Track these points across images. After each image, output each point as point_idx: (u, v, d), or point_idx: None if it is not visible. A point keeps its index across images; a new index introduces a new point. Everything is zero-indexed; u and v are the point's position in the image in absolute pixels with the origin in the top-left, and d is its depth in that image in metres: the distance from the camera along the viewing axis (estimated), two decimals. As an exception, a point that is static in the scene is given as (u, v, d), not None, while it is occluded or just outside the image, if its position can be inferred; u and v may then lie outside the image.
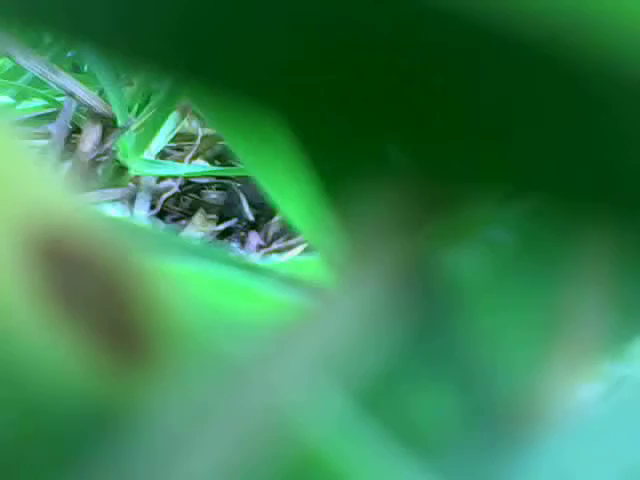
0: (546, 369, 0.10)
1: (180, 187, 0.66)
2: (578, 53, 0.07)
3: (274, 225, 0.64)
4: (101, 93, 0.66)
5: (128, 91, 0.66)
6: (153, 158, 0.66)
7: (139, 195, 0.65)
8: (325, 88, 0.08)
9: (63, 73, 0.64)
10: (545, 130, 0.08)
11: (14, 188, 0.08)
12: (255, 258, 0.54)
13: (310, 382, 0.09)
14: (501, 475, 0.10)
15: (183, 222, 0.65)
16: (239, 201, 0.66)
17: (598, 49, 0.07)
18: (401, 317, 0.10)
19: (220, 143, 0.69)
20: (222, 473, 0.09)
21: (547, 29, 0.07)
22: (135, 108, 0.67)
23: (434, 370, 0.10)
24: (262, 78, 0.08)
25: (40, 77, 0.64)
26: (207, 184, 0.68)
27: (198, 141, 0.68)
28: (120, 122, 0.66)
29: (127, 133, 0.65)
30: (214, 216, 0.66)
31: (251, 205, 0.65)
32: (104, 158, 0.65)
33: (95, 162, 0.65)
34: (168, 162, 0.67)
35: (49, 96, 0.67)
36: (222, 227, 0.65)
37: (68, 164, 0.65)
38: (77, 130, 0.67)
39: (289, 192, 0.12)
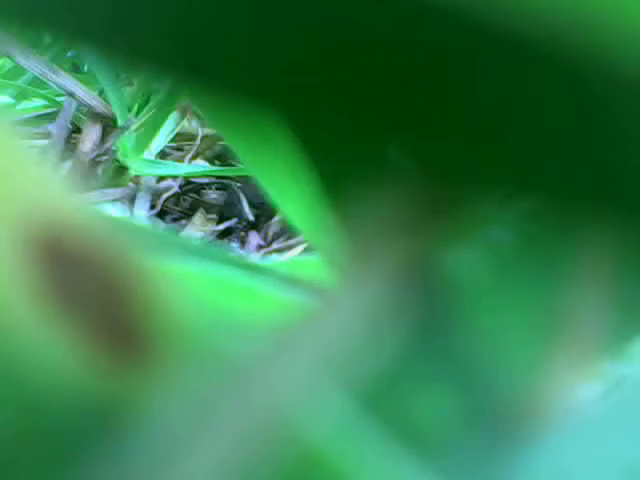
0: (546, 369, 0.10)
1: (180, 187, 0.66)
2: (577, 51, 0.07)
3: (274, 225, 0.64)
4: (101, 93, 0.66)
5: (128, 91, 0.66)
6: (153, 158, 0.66)
7: (139, 195, 0.65)
8: (325, 88, 0.08)
9: (63, 73, 0.64)
10: (544, 129, 0.08)
11: (14, 187, 0.08)
12: (255, 258, 0.54)
13: (311, 382, 0.09)
14: (502, 475, 0.10)
15: (183, 222, 0.65)
16: (239, 201, 0.66)
17: (597, 47, 0.07)
18: (402, 317, 0.10)
19: (220, 143, 0.69)
20: (223, 472, 0.09)
21: (546, 27, 0.07)
22: (135, 108, 0.67)
23: (435, 370, 0.10)
24: (262, 78, 0.08)
25: (40, 77, 0.64)
26: (207, 184, 0.68)
27: (198, 141, 0.68)
28: (120, 122, 0.66)
29: (127, 133, 0.65)
30: (214, 216, 0.66)
31: (251, 205, 0.65)
32: (104, 158, 0.65)
33: (95, 162, 0.65)
34: (168, 162, 0.67)
35: (49, 96, 0.68)
36: (222, 227, 0.65)
37: (68, 164, 0.65)
38: (77, 130, 0.67)
39: (289, 192, 0.12)
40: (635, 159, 0.08)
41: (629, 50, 0.07)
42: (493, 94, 0.08)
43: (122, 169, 0.65)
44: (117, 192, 0.64)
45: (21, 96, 0.68)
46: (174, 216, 0.66)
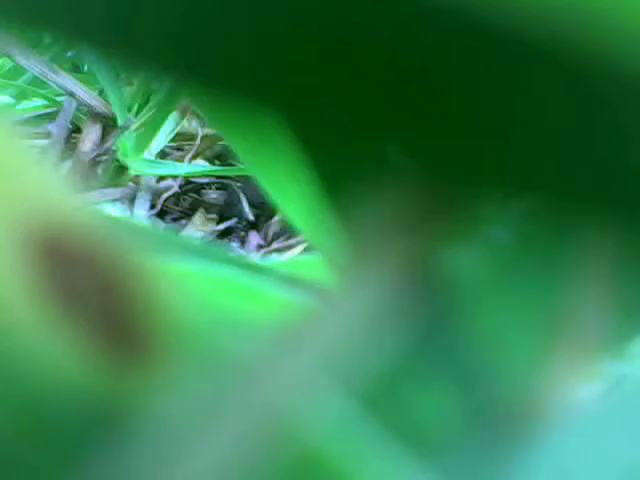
0: (546, 368, 0.10)
1: (180, 187, 0.66)
2: (579, 50, 0.07)
3: (274, 225, 0.64)
4: (101, 93, 0.66)
5: (128, 91, 0.66)
6: (153, 158, 0.66)
7: (139, 195, 0.65)
8: (325, 88, 0.08)
9: (63, 73, 0.64)
10: (545, 129, 0.08)
11: (14, 186, 0.08)
12: (255, 258, 0.54)
13: (311, 381, 0.09)
14: (502, 474, 0.10)
15: (183, 222, 0.65)
16: (239, 201, 0.66)
17: (599, 46, 0.07)
18: (403, 317, 0.10)
19: (220, 143, 0.69)
20: (223, 471, 0.09)
21: (547, 26, 0.07)
22: (135, 108, 0.67)
23: (435, 370, 0.10)
24: (262, 78, 0.08)
25: (40, 77, 0.64)
26: (207, 184, 0.68)
27: (198, 141, 0.68)
28: (120, 122, 0.66)
29: (127, 133, 0.65)
30: (214, 216, 0.66)
31: (251, 205, 0.65)
32: (104, 158, 0.65)
33: (95, 162, 0.65)
34: (168, 162, 0.67)
35: (49, 96, 0.67)
36: (222, 227, 0.65)
37: (68, 164, 0.65)
38: (77, 130, 0.67)
39: (289, 192, 0.12)
40: (636, 159, 0.08)
41: (631, 49, 0.07)
42: (494, 94, 0.08)
43: (122, 169, 0.65)
44: (117, 192, 0.64)
45: (21, 96, 0.68)
46: (174, 216, 0.66)
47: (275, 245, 0.63)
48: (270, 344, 0.09)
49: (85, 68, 0.66)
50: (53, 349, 0.08)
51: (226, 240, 0.64)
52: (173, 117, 0.67)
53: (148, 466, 0.09)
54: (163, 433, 0.09)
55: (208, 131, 0.68)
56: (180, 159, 0.68)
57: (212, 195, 0.67)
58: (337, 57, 0.08)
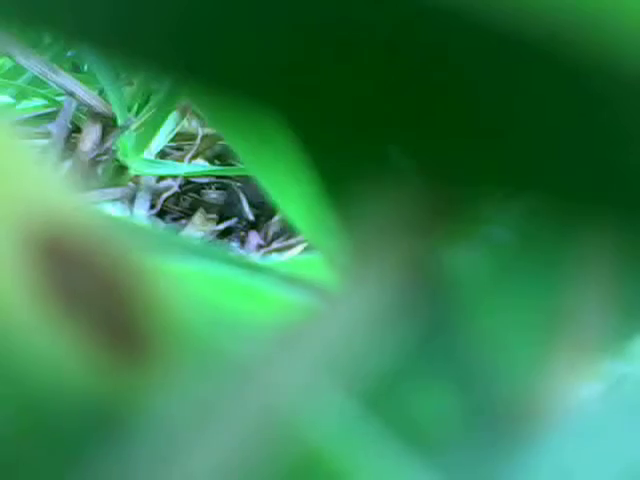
0: (546, 368, 0.10)
1: (180, 187, 0.66)
2: (578, 50, 0.07)
3: (274, 225, 0.64)
4: (101, 93, 0.66)
5: (128, 91, 0.66)
6: (153, 158, 0.66)
7: (139, 195, 0.65)
8: (325, 88, 0.08)
9: (63, 73, 0.64)
10: (545, 129, 0.08)
11: (14, 186, 0.08)
12: (255, 258, 0.54)
13: (312, 381, 0.09)
14: (502, 473, 0.10)
15: (183, 222, 0.65)
16: (239, 201, 0.66)
17: (598, 46, 0.07)
18: (403, 317, 0.10)
19: (220, 143, 0.69)
20: (223, 472, 0.09)
21: (547, 26, 0.07)
22: (135, 108, 0.67)
23: (436, 369, 0.10)
24: (262, 78, 0.08)
25: (40, 76, 0.64)
26: (207, 184, 0.68)
27: (198, 141, 0.68)
28: (120, 122, 0.66)
29: (127, 133, 0.65)
30: (214, 216, 0.66)
31: (251, 205, 0.65)
32: (104, 157, 0.65)
33: (95, 161, 0.65)
34: (168, 162, 0.67)
35: (49, 96, 0.67)
36: (222, 227, 0.65)
37: (68, 164, 0.65)
38: (77, 129, 0.67)
39: (290, 192, 0.12)
40: (636, 159, 0.08)
41: (630, 49, 0.07)
42: (494, 94, 0.08)
43: (122, 169, 0.65)
44: (117, 192, 0.64)
45: (21, 96, 0.68)
46: (174, 216, 0.66)
47: (275, 245, 0.63)
48: (270, 344, 0.09)
49: (85, 68, 0.66)
50: (53, 349, 0.08)
51: (226, 240, 0.64)
52: (173, 117, 0.67)
53: (148, 466, 0.09)
54: (163, 433, 0.09)
55: (208, 131, 0.68)
56: (180, 159, 0.68)
57: (212, 195, 0.67)
58: (337, 57, 0.08)
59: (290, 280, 0.13)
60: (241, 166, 0.64)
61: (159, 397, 0.09)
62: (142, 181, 0.66)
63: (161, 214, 0.65)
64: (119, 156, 0.65)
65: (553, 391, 0.10)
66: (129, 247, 0.09)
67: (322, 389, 0.09)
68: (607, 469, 0.10)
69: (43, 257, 0.08)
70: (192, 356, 0.09)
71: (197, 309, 0.09)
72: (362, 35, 0.07)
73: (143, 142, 0.65)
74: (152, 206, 0.65)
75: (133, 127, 0.66)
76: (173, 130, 0.67)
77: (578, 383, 0.10)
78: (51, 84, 0.64)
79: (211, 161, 0.69)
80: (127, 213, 0.62)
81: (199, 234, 0.64)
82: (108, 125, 0.66)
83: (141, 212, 0.64)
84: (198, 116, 0.67)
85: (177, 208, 0.67)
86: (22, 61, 0.63)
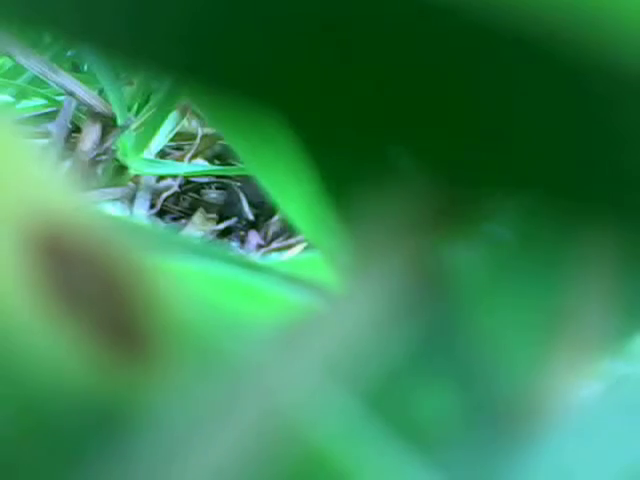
0: (546, 367, 0.10)
1: (180, 186, 0.66)
2: (578, 50, 0.07)
3: (274, 224, 0.64)
4: (101, 92, 0.66)
5: (128, 91, 0.66)
6: (153, 157, 0.66)
7: (139, 194, 0.65)
8: (327, 87, 0.08)
9: (63, 72, 0.64)
10: (545, 128, 0.08)
11: (15, 186, 0.08)
12: (255, 257, 0.54)
13: (314, 381, 0.09)
14: (502, 472, 0.10)
15: (183, 221, 0.65)
16: (239, 200, 0.66)
17: (597, 45, 0.07)
18: (405, 317, 0.10)
19: (220, 142, 0.69)
20: (225, 472, 0.09)
21: (546, 26, 0.07)
22: (135, 107, 0.67)
23: (436, 368, 0.10)
24: (263, 78, 0.08)
25: (40, 76, 0.64)
26: (207, 183, 0.68)
27: (198, 140, 0.68)
28: (120, 121, 0.66)
29: (127, 132, 0.65)
30: (214, 215, 0.66)
31: (251, 204, 0.65)
32: (104, 157, 0.65)
33: (95, 161, 0.65)
34: (168, 161, 0.67)
35: (49, 95, 0.68)
36: (222, 226, 0.65)
37: (68, 163, 0.65)
38: (77, 129, 0.67)
39: (290, 192, 0.12)
40: (636, 158, 0.08)
41: (629, 48, 0.07)
42: (494, 93, 0.08)
43: (122, 168, 0.65)
44: (117, 191, 0.64)
45: (21, 95, 0.68)
46: (174, 215, 0.66)
47: (275, 245, 0.63)
48: (272, 344, 0.09)
49: (85, 68, 0.66)
50: (54, 349, 0.08)
51: (226, 240, 0.64)
52: (173, 117, 0.67)
53: (150, 467, 0.09)
54: (165, 433, 0.09)
55: (208, 130, 0.68)
56: (180, 159, 0.68)
57: (212, 195, 0.67)
58: (338, 56, 0.08)
59: (290, 280, 0.13)
60: (241, 166, 0.64)
61: (160, 397, 0.09)
62: (142, 181, 0.66)
63: (161, 214, 0.65)
64: (119, 156, 0.65)
65: (553, 390, 0.10)
66: (129, 246, 0.09)
67: (324, 389, 0.09)
68: (607, 468, 0.10)
69: (43, 257, 0.08)
70: (192, 355, 0.09)
71: (197, 308, 0.09)
72: (363, 35, 0.07)
73: (143, 142, 0.65)
74: (152, 206, 0.65)
75: (133, 127, 0.66)
76: (173, 130, 0.67)
77: (578, 382, 0.11)
78: (51, 84, 0.64)
79: (211, 161, 0.69)
80: (127, 213, 0.62)
81: (199, 234, 0.64)
82: (108, 125, 0.66)
83: (141, 212, 0.64)
84: (198, 116, 0.67)
85: (177, 208, 0.67)
86: (22, 61, 0.63)
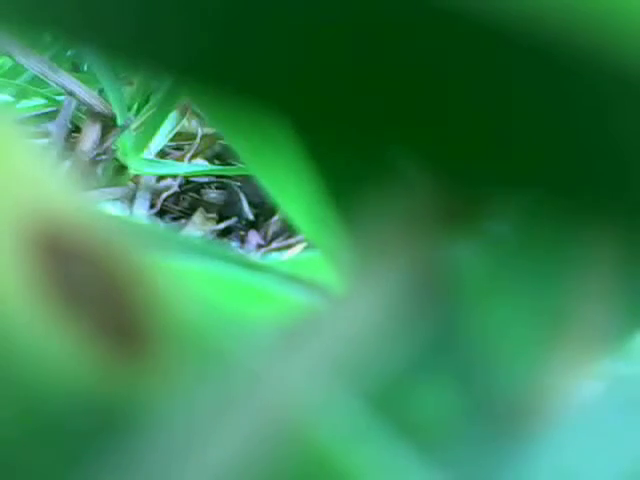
0: (547, 366, 0.10)
1: (180, 186, 0.66)
2: (582, 52, 0.07)
3: (274, 224, 0.64)
4: (101, 92, 0.66)
5: (128, 90, 0.66)
6: (153, 157, 0.66)
7: (139, 194, 0.65)
8: (328, 87, 0.08)
9: (63, 72, 0.64)
10: (546, 128, 0.08)
11: (15, 185, 0.08)
12: (255, 257, 0.54)
13: (317, 381, 0.09)
14: (503, 471, 0.10)
15: (183, 221, 0.65)
16: (239, 200, 0.66)
17: (602, 48, 0.07)
18: (405, 316, 0.10)
19: (220, 142, 0.69)
20: (228, 472, 0.09)
21: (548, 27, 0.07)
22: (135, 107, 0.67)
23: (438, 367, 0.10)
24: (264, 78, 0.08)
25: (40, 76, 0.64)
26: (207, 183, 0.68)
27: (198, 140, 0.68)
28: (120, 121, 0.66)
29: (127, 132, 0.65)
30: (214, 215, 0.66)
31: (251, 204, 0.65)
32: (104, 157, 0.65)
33: (95, 161, 0.65)
34: (168, 161, 0.67)
35: (49, 95, 0.68)
36: (222, 226, 0.65)
37: (68, 163, 0.65)
38: (77, 129, 0.67)
39: (290, 192, 0.12)
40: (636, 158, 0.08)
41: (631, 49, 0.07)
42: (494, 93, 0.08)
43: (122, 168, 0.65)
44: (117, 191, 0.64)
45: (21, 95, 0.68)
46: (174, 215, 0.66)
47: (275, 244, 0.63)
48: (275, 343, 0.09)
49: (85, 68, 0.66)
50: (55, 349, 0.08)
51: (226, 239, 0.64)
52: (173, 116, 0.67)
53: (152, 467, 0.09)
54: (166, 434, 0.09)
55: (208, 130, 0.68)
56: (180, 158, 0.68)
57: (212, 194, 0.67)
58: (340, 58, 0.08)
59: (290, 280, 0.13)
60: (241, 166, 0.64)
61: (161, 396, 0.09)
62: (142, 181, 0.66)
63: (161, 213, 0.65)
64: (119, 156, 0.65)
65: (553, 389, 0.10)
66: (130, 246, 0.09)
67: (325, 388, 0.09)
68: (607, 468, 0.10)
69: (44, 256, 0.08)
70: (193, 355, 0.09)
71: (197, 308, 0.09)
72: (366, 36, 0.07)
73: (143, 142, 0.65)
74: (152, 205, 0.65)
75: (133, 127, 0.66)
76: (173, 130, 0.67)
77: (578, 381, 0.11)
78: (51, 83, 0.64)
79: (211, 161, 0.69)
80: (127, 213, 0.62)
81: (199, 234, 0.64)
82: (108, 125, 0.66)
83: (141, 211, 0.64)
84: (198, 116, 0.67)
85: (177, 208, 0.67)
86: (22, 60, 0.63)
